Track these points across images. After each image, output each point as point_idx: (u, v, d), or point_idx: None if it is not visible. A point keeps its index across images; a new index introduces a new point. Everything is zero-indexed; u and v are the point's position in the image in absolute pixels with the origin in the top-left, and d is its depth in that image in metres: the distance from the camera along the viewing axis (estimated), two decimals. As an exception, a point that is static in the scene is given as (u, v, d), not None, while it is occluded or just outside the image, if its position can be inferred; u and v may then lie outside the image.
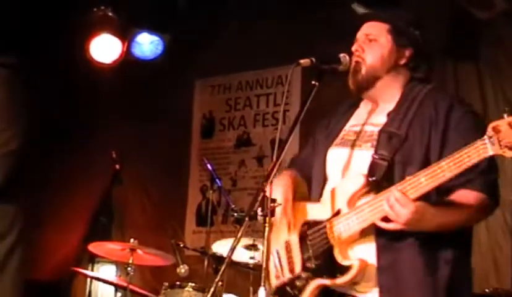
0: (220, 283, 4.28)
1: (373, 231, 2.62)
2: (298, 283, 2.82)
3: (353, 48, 2.84)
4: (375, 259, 2.62)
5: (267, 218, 2.68)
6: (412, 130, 2.65)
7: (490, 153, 2.32)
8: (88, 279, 6.15)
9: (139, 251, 4.86)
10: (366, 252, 2.64)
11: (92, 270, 6.19)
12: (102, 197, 6.06)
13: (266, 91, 6.74)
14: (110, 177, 5.62)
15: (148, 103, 7.16)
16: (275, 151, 2.93)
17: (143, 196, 7.11)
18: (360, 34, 2.84)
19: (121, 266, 5.72)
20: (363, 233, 2.65)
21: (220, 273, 2.68)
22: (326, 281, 2.71)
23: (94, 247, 5.06)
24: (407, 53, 2.78)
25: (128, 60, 6.74)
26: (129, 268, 4.78)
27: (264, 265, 2.71)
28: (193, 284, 4.54)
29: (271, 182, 2.69)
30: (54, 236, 7.00)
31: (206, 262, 5.11)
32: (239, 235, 2.64)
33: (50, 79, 7.26)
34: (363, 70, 2.80)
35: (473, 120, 2.65)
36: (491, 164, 2.55)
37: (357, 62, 2.81)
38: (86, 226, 6.71)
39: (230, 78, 6.99)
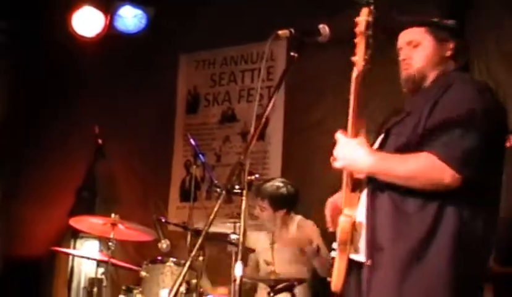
0: (201, 258, 4.35)
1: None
2: None
3: (400, 58, 2.97)
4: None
5: (244, 192, 2.70)
6: (415, 106, 2.77)
7: None
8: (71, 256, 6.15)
9: (120, 226, 4.87)
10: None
11: (75, 245, 6.19)
12: (86, 171, 6.04)
13: (251, 66, 6.72)
14: (93, 152, 5.62)
15: (131, 78, 7.13)
16: (252, 125, 2.92)
17: (127, 171, 7.10)
18: (401, 43, 2.98)
19: (104, 241, 5.72)
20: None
21: (196, 246, 2.71)
22: None
23: (75, 222, 5.06)
24: (450, 45, 2.90)
25: (111, 34, 6.71)
26: (110, 243, 4.79)
27: (241, 240, 2.74)
28: (174, 260, 4.55)
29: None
30: (36, 212, 7.01)
31: (188, 238, 5.13)
32: (216, 208, 2.66)
33: (31, 53, 7.24)
34: (415, 75, 2.91)
35: (462, 94, 2.68)
36: (469, 134, 2.58)
37: (406, 69, 2.94)
38: (69, 202, 6.69)
39: (214, 53, 6.96)
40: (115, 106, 7.09)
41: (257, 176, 3.06)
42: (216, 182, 5.39)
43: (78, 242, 6.46)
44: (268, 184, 5.22)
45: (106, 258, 4.86)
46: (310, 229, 5.18)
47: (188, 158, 6.75)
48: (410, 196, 2.63)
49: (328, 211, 3.02)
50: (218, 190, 5.16)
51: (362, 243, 2.71)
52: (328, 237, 5.54)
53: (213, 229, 4.30)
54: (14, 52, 7.29)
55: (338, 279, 2.76)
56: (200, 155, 5.53)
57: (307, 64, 5.99)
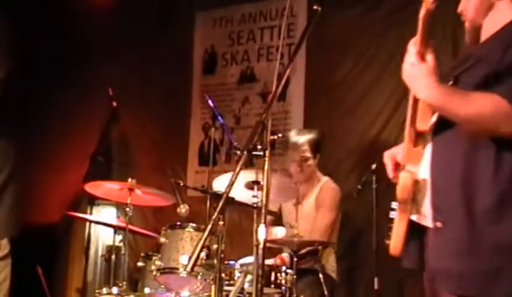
0: (221, 223, 4.34)
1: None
2: None
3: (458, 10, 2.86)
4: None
5: (266, 152, 2.67)
6: (487, 50, 2.64)
7: None
8: (87, 222, 6.18)
9: (137, 191, 4.86)
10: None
11: (91, 212, 6.20)
12: (100, 136, 6.03)
13: (270, 23, 6.66)
14: (107, 115, 5.60)
15: (146, 38, 7.09)
16: (274, 84, 2.87)
17: (143, 135, 7.10)
18: None
19: (121, 208, 5.73)
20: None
21: (218, 209, 2.68)
22: None
23: (91, 187, 5.05)
24: None
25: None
26: (128, 209, 4.79)
27: (264, 202, 2.72)
28: (194, 225, 4.53)
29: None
30: (50, 177, 7.03)
31: (208, 202, 5.12)
32: (237, 169, 2.63)
33: (44, 16, 7.20)
34: (469, 26, 2.80)
35: None
36: None
37: (464, 22, 2.82)
38: (84, 167, 6.71)
39: (232, 10, 6.90)
40: (129, 67, 7.06)
41: (280, 135, 3.02)
42: (235, 144, 5.36)
43: (95, 209, 6.48)
44: (297, 135, 5.20)
45: (123, 225, 4.87)
46: (329, 194, 5.17)
47: (207, 121, 6.73)
48: (483, 150, 2.50)
49: (388, 161, 2.85)
50: (238, 152, 5.18)
51: (427, 204, 2.58)
52: (348, 214, 5.58)
53: (234, 194, 4.34)
54: (24, 15, 7.27)
55: (397, 241, 2.65)
56: (219, 117, 5.50)
57: (329, 21, 5.97)
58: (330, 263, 5.17)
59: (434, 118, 2.65)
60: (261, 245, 2.66)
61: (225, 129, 5.89)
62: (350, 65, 6.18)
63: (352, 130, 6.06)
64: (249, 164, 4.95)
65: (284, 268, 4.39)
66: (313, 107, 6.32)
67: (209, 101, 5.51)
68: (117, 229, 5.20)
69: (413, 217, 2.62)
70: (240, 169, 2.65)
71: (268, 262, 4.87)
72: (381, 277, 4.86)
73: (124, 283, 4.82)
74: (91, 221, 5.80)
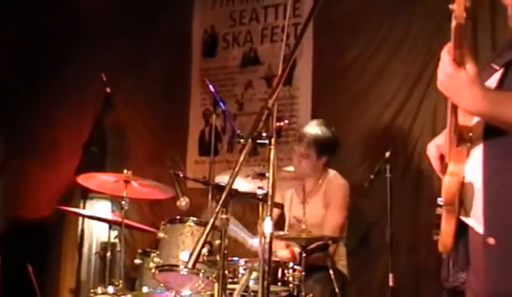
0: (224, 216, 4.35)
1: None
2: None
3: None
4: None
5: (272, 140, 2.67)
6: None
7: None
8: (80, 217, 6.19)
9: (134, 183, 4.87)
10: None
11: (84, 206, 6.21)
12: (93, 124, 6.04)
13: (274, 2, 6.66)
14: (101, 103, 5.61)
15: (141, 20, 7.09)
16: (279, 66, 2.87)
17: (139, 123, 7.10)
18: None
19: (116, 201, 5.74)
20: None
21: (220, 202, 2.69)
22: None
23: (84, 180, 5.06)
24: None
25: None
26: (123, 202, 4.80)
27: (270, 193, 2.72)
28: (195, 219, 4.54)
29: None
30: (41, 168, 7.05)
31: (210, 194, 5.13)
32: (241, 159, 2.63)
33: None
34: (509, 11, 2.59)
35: None
36: None
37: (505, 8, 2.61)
38: (77, 157, 6.72)
39: (233, -13, 6.91)
40: (123, 51, 7.06)
41: (286, 121, 3.02)
42: (238, 132, 5.36)
43: (88, 203, 6.49)
44: (309, 127, 5.20)
45: (119, 220, 4.88)
46: (337, 191, 5.17)
47: (207, 107, 6.74)
48: None
49: (434, 157, 2.67)
50: (242, 140, 5.18)
51: (477, 208, 2.42)
52: (360, 206, 5.58)
53: (237, 185, 4.35)
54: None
55: (447, 238, 2.51)
56: (220, 103, 5.51)
57: (333, 5, 5.97)
58: (341, 258, 5.18)
59: None
60: (267, 240, 2.67)
61: (227, 115, 5.90)
62: (360, 48, 6.17)
63: (363, 116, 6.06)
64: (253, 153, 5.00)
65: (291, 264, 4.40)
66: (321, 92, 6.32)
67: (210, 86, 5.52)
68: (112, 224, 5.21)
69: (464, 218, 2.49)
70: (244, 158, 2.65)
71: (278, 254, 4.90)
72: (396, 273, 4.87)
73: (120, 281, 4.83)
74: (84, 216, 5.81)
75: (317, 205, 5.15)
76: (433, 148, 2.66)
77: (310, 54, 6.32)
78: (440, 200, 2.50)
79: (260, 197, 4.39)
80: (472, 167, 2.44)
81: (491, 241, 2.37)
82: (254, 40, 6.75)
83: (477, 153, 2.44)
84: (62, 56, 7.21)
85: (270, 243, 2.68)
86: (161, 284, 4.58)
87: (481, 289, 2.45)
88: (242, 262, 4.38)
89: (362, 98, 6.11)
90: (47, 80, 7.22)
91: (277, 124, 2.70)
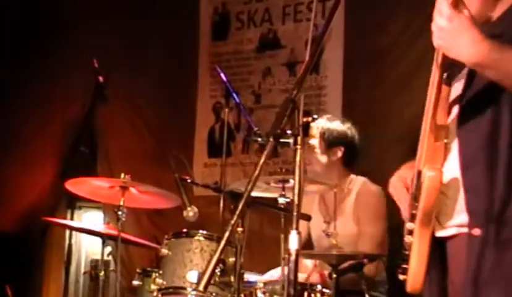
0: (240, 230, 4.36)
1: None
2: None
3: None
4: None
5: (299, 138, 2.68)
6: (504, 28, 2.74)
7: None
8: (68, 229, 6.22)
9: (132, 189, 4.88)
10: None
11: (72, 217, 6.24)
12: (83, 120, 6.07)
13: (297, -27, 6.69)
14: (92, 94, 5.63)
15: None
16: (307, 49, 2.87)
17: (136, 118, 7.14)
18: None
19: (110, 211, 5.76)
20: None
21: (237, 212, 2.69)
22: None
23: (73, 185, 5.07)
24: None
25: None
26: (120, 212, 4.81)
27: (297, 201, 2.72)
28: (204, 232, 4.56)
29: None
30: (22, 172, 7.08)
31: (221, 203, 5.14)
32: (262, 161, 2.63)
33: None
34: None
35: None
36: None
37: None
38: (63, 160, 6.75)
39: (248, -44, 6.93)
40: (119, 33, 7.10)
41: (315, 116, 3.02)
42: (255, 129, 5.37)
43: (77, 213, 6.53)
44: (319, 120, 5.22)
45: (114, 233, 4.89)
46: (370, 201, 5.16)
47: (218, 100, 6.76)
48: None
49: (400, 190, 2.92)
50: (259, 139, 5.20)
51: (459, 209, 2.67)
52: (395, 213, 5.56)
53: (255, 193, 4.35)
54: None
55: (418, 273, 2.71)
56: (234, 95, 5.52)
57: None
58: (379, 281, 5.17)
59: (455, 110, 2.75)
60: (292, 257, 2.67)
61: (241, 109, 5.91)
62: (400, 28, 6.17)
63: (402, 109, 6.04)
64: (272, 154, 4.99)
65: (319, 287, 4.40)
66: (353, 81, 6.32)
67: (221, 75, 5.53)
68: (106, 238, 5.23)
69: (439, 233, 2.71)
70: (265, 161, 2.65)
71: (303, 276, 4.90)
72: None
73: (116, 306, 4.86)
74: (72, 228, 5.83)
75: (346, 221, 5.13)
76: (396, 184, 2.96)
77: (340, 36, 6.31)
78: (409, 225, 2.77)
79: (282, 206, 4.40)
80: (452, 165, 2.68)
81: (476, 231, 2.58)
82: (273, 19, 6.77)
83: (455, 149, 2.71)
84: (48, 38, 7.24)
85: (296, 262, 2.68)
86: (165, 311, 4.60)
87: (460, 280, 2.66)
88: (260, 284, 4.39)
89: (401, 89, 6.10)
90: (29, 64, 7.25)
91: (305, 119, 2.69)
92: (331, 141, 5.19)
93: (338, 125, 5.22)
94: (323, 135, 5.17)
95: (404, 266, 2.79)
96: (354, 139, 5.26)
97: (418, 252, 2.71)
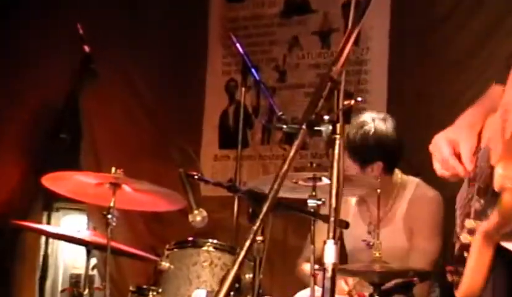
0: (260, 239, 4.36)
1: None
2: None
3: None
4: None
5: (338, 126, 2.67)
6: None
7: None
8: (43, 236, 6.25)
9: (126, 187, 4.89)
10: None
11: (49, 220, 6.27)
12: (65, 101, 6.09)
13: None
14: (76, 67, 5.64)
15: None
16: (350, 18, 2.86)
17: (131, 99, 7.15)
18: None
19: (97, 214, 5.79)
20: None
21: (260, 217, 2.69)
22: None
23: (50, 182, 5.08)
24: None
25: None
26: (109, 216, 4.82)
27: (334, 205, 2.72)
28: (215, 242, 4.58)
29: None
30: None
31: (236, 206, 5.15)
32: (292, 154, 2.63)
33: None
34: None
35: None
36: None
37: None
38: (38, 150, 6.78)
39: None
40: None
41: (360, 99, 3.02)
42: (279, 113, 5.37)
43: (54, 216, 6.57)
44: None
45: (103, 241, 4.91)
46: (426, 208, 5.17)
47: (232, 76, 6.78)
48: None
49: (445, 150, 2.97)
50: (284, 126, 5.21)
51: None
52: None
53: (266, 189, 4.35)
54: None
55: (475, 281, 2.72)
56: (252, 70, 5.52)
57: None
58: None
59: None
60: (328, 274, 2.66)
61: (262, 88, 5.91)
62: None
63: (459, 93, 6.04)
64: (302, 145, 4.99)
65: (358, 311, 4.42)
66: (401, 56, 6.32)
67: (237, 45, 5.53)
68: (91, 247, 5.25)
69: (506, 244, 2.67)
70: (296, 153, 2.65)
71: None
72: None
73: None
74: (49, 235, 5.87)
75: (394, 232, 5.14)
76: (443, 141, 2.98)
77: (387, 1, 6.31)
78: (468, 222, 2.79)
79: (312, 210, 4.41)
80: None
81: None
82: (302, -24, 6.79)
83: None
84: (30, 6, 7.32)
85: (333, 280, 2.68)
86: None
87: None
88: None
89: (457, 69, 6.11)
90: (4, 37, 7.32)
91: (346, 102, 2.69)
92: (364, 159, 5.17)
93: (371, 137, 5.16)
94: (353, 156, 5.14)
95: (456, 278, 2.80)
96: (395, 146, 5.23)
97: (476, 264, 2.72)
